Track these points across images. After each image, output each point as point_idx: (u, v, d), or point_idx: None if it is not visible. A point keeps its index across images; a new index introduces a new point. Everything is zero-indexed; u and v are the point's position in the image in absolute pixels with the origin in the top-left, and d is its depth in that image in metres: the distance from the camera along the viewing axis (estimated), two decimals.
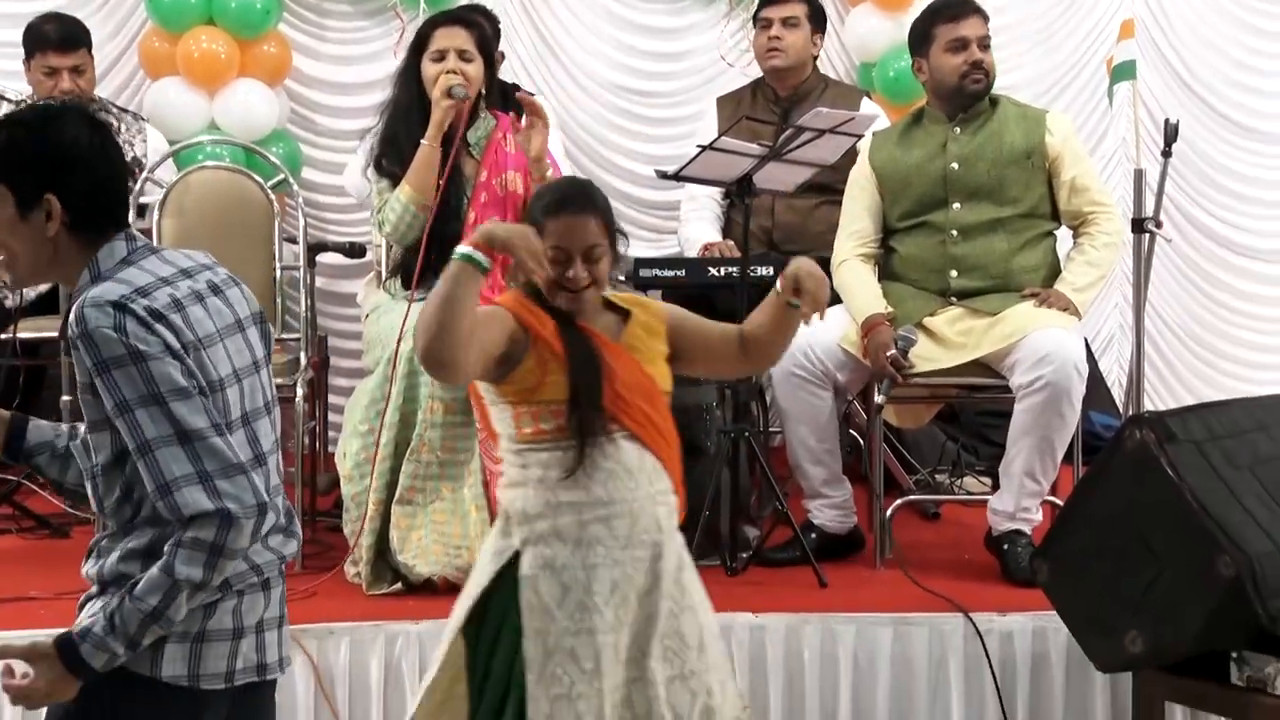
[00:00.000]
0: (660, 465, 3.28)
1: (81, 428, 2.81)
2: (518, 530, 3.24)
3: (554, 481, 3.23)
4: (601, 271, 3.29)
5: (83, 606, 2.79)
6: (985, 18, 5.06)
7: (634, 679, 3.24)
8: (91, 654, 2.61)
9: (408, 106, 4.87)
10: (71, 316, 2.65)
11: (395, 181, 4.84)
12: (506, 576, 3.24)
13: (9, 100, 5.17)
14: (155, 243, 4.39)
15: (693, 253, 5.73)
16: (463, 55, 4.78)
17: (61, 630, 2.65)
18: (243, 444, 2.73)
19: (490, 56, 4.94)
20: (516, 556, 3.23)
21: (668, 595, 3.28)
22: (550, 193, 3.41)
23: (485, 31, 5.01)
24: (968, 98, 4.99)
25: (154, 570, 2.60)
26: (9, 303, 5.41)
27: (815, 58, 6.01)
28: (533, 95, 5.95)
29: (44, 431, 2.98)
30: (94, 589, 2.76)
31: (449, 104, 4.72)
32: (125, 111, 6.05)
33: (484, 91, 4.88)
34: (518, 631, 3.22)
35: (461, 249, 3.04)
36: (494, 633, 3.26)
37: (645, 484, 3.26)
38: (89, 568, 2.79)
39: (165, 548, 2.61)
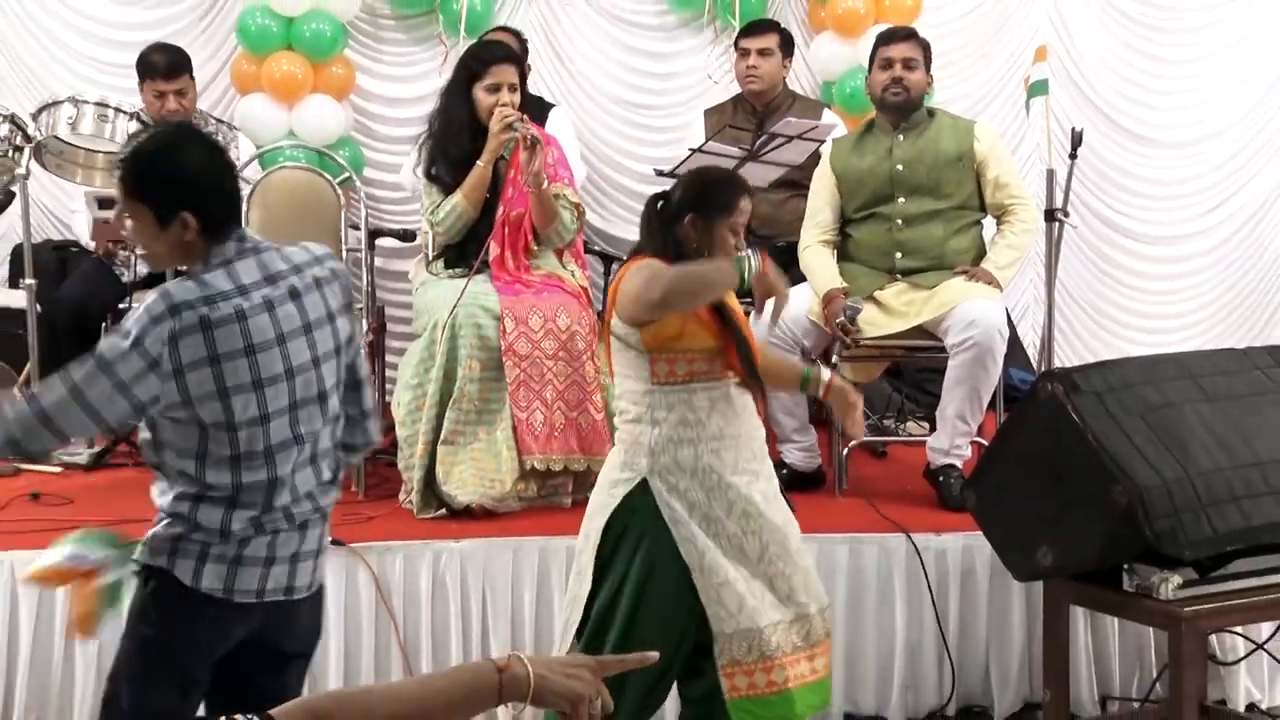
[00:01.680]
0: (754, 405, 3.41)
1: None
2: (644, 460, 3.31)
3: (676, 421, 3.30)
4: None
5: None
6: (919, 43, 5.04)
7: (770, 574, 3.37)
8: None
9: (460, 125, 4.82)
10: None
11: (444, 188, 4.82)
12: (638, 499, 3.31)
13: (124, 112, 5.11)
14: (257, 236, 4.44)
15: None
16: (511, 89, 4.76)
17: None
18: (282, 428, 2.76)
19: (525, 80, 4.93)
20: (644, 483, 3.31)
21: (774, 509, 3.39)
22: (728, 176, 3.54)
23: (524, 63, 5.00)
24: (889, 108, 4.99)
25: None
26: (125, 277, 5.40)
27: (785, 77, 5.99)
28: (553, 105, 5.96)
29: None
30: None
31: (506, 137, 4.67)
32: (221, 122, 6.02)
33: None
34: (654, 544, 3.30)
35: (745, 264, 3.21)
36: (620, 541, 3.34)
37: (748, 420, 3.36)
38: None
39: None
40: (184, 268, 2.82)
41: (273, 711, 1.72)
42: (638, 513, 3.32)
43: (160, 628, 2.78)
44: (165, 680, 2.79)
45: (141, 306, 2.70)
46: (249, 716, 1.71)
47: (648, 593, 3.31)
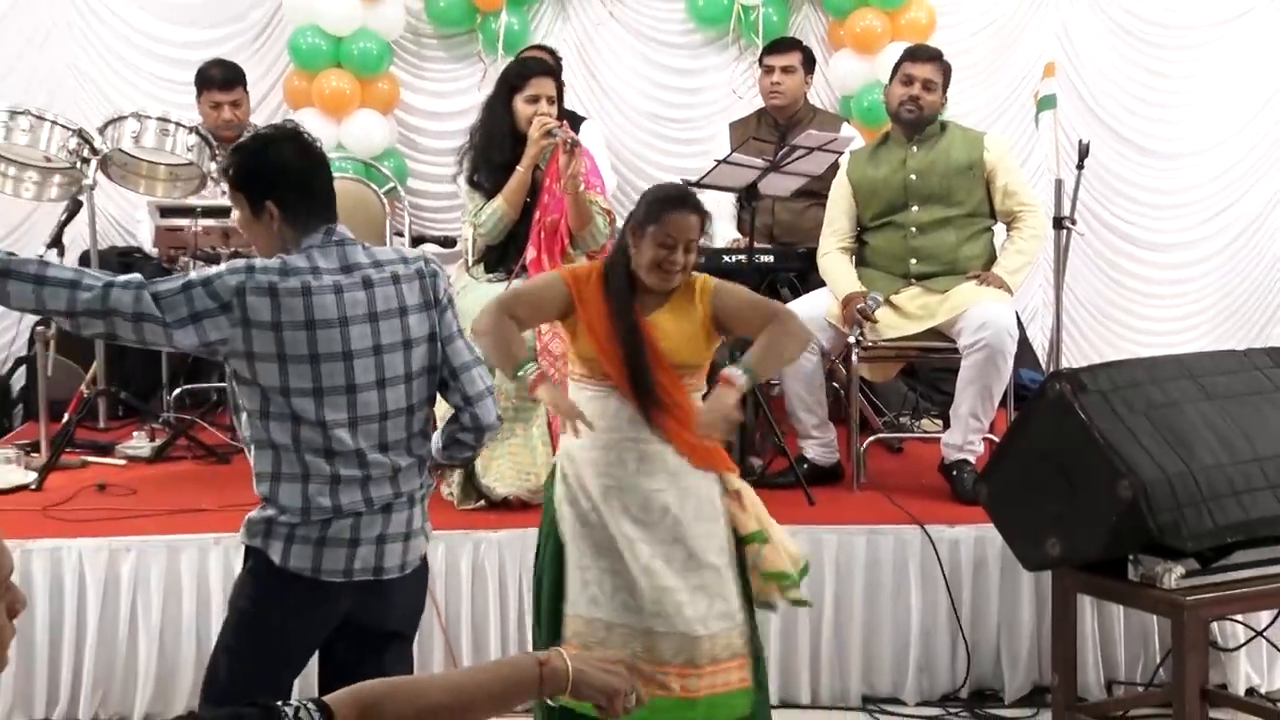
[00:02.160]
0: (639, 418, 3.29)
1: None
2: (560, 447, 3.44)
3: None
4: (692, 261, 3.33)
5: None
6: (941, 66, 5.00)
7: (633, 574, 3.29)
8: None
9: (502, 135, 4.83)
10: None
11: (486, 193, 4.83)
12: (552, 479, 3.44)
13: (184, 127, 5.14)
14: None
15: (716, 244, 5.72)
16: (550, 100, 4.77)
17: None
18: (338, 405, 2.79)
19: (562, 95, 4.93)
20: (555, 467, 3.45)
21: (629, 522, 3.30)
22: (668, 191, 3.45)
23: (561, 79, 5.01)
24: (901, 122, 4.97)
25: None
26: None
27: (806, 92, 5.97)
28: (585, 119, 5.96)
29: None
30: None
31: (546, 142, 4.69)
32: None
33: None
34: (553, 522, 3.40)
35: (522, 372, 3.32)
36: (547, 521, 3.43)
37: (620, 430, 3.30)
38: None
39: None
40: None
41: (328, 698, 1.72)
42: (548, 491, 3.46)
43: (255, 604, 2.84)
44: (259, 654, 2.83)
45: (228, 262, 2.83)
46: (305, 703, 1.71)
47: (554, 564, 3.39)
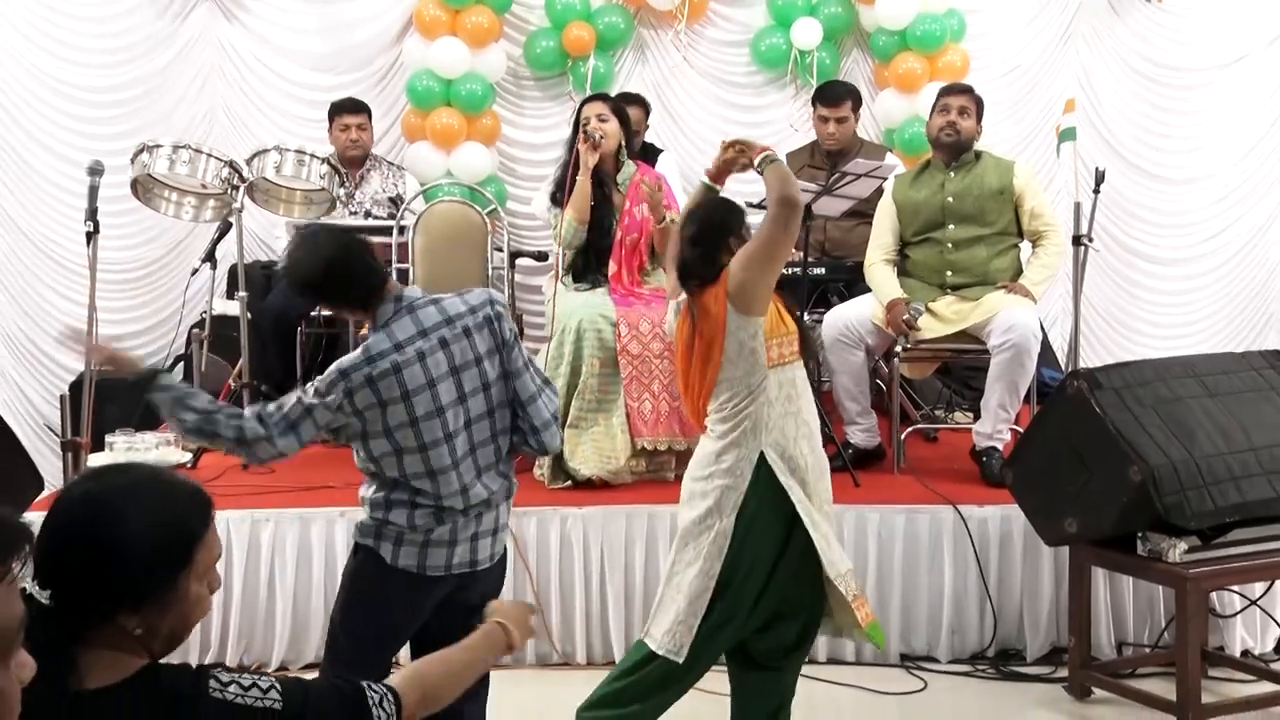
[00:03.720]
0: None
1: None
2: (760, 437, 3.12)
3: (784, 397, 3.14)
4: None
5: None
6: (974, 98, 4.96)
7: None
8: None
9: (573, 163, 4.86)
10: None
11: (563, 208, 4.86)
12: (755, 474, 3.13)
13: (317, 158, 5.19)
14: (410, 263, 4.45)
15: None
16: (599, 117, 4.77)
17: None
18: (441, 455, 2.79)
19: (624, 117, 4.89)
20: (762, 457, 3.12)
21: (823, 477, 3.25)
22: (736, 203, 3.54)
23: (618, 101, 4.98)
24: (942, 147, 4.91)
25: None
26: None
27: (855, 128, 5.92)
28: (662, 150, 5.95)
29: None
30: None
31: (586, 144, 4.70)
32: (393, 164, 6.11)
33: (624, 145, 4.85)
34: (768, 516, 3.12)
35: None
36: (750, 518, 3.13)
37: (809, 393, 3.25)
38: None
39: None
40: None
41: (394, 684, 1.84)
42: (757, 486, 3.11)
43: (368, 592, 2.86)
44: (372, 632, 2.86)
45: (326, 373, 2.81)
46: (384, 692, 1.81)
47: (749, 555, 3.12)
